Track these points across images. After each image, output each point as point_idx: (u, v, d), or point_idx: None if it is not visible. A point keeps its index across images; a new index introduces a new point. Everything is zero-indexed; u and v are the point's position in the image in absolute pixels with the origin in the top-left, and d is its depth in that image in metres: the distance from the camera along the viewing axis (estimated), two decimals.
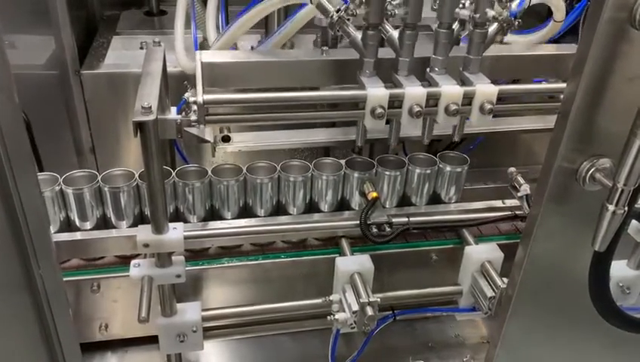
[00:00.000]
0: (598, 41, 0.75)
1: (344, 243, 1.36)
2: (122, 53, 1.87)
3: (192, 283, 1.33)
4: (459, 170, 1.40)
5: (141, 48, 1.87)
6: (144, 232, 1.13)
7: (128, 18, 2.18)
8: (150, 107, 1.02)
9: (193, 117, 1.19)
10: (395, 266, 1.41)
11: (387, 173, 1.36)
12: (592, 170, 0.85)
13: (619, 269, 1.35)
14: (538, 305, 0.98)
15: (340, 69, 1.30)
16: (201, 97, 1.12)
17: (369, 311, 1.19)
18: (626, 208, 0.81)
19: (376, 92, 1.16)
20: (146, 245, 1.13)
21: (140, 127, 1.01)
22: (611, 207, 0.81)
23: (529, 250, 0.93)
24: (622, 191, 0.80)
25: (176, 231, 1.15)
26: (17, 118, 0.65)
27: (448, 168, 1.40)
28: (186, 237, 1.17)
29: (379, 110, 1.15)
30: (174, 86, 1.39)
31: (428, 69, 1.25)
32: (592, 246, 0.85)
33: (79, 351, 0.98)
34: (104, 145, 1.82)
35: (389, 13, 1.15)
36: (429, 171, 1.38)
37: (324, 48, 1.32)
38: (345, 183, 1.37)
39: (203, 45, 1.65)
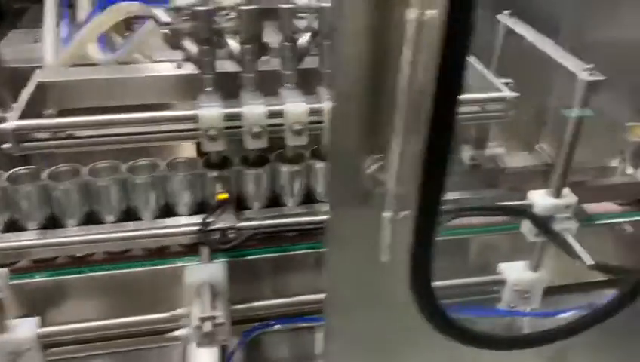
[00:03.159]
0: None
1: (204, 251, 1.24)
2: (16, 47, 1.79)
3: (39, 297, 1.23)
4: None
5: (36, 42, 1.79)
6: None
7: (36, 11, 2.10)
8: None
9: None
10: (267, 272, 1.29)
11: (248, 171, 1.24)
12: (376, 171, 0.72)
13: (513, 272, 1.25)
14: (353, 322, 0.85)
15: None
16: (15, 123, 1.00)
17: (207, 326, 1.07)
18: (407, 213, 0.68)
19: (207, 112, 1.06)
20: None
21: None
22: (387, 214, 0.68)
23: (329, 261, 0.81)
24: (394, 195, 0.67)
25: None
26: None
27: (319, 165, 1.26)
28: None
29: (212, 131, 1.07)
30: None
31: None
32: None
33: None
34: None
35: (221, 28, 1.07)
36: (297, 168, 1.26)
37: (180, 62, 1.22)
38: (203, 184, 1.25)
39: None
